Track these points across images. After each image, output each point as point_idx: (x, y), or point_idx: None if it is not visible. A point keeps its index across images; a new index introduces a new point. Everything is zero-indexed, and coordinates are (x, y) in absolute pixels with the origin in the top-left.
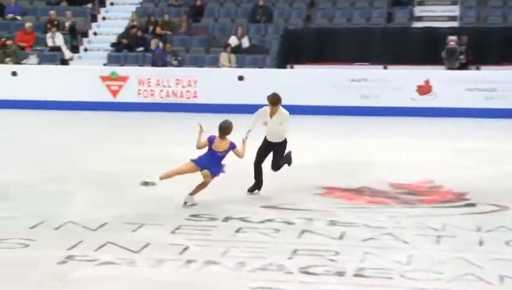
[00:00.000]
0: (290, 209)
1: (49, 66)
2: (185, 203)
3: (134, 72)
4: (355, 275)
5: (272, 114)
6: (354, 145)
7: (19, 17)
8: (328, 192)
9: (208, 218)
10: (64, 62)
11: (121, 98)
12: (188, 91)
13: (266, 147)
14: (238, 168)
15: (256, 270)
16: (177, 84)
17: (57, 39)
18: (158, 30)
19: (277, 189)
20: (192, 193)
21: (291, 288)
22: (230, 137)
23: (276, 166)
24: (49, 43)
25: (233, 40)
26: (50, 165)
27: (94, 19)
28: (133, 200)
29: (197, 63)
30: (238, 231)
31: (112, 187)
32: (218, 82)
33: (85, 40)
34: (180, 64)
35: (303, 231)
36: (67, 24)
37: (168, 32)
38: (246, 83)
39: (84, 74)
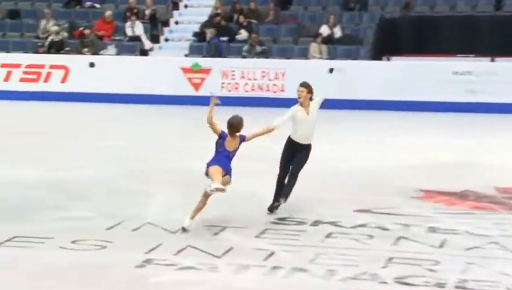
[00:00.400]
0: (385, 214)
1: (128, 57)
2: (184, 229)
3: (217, 64)
4: (457, 287)
5: (307, 109)
6: (457, 144)
7: (97, 5)
8: (427, 196)
9: (296, 222)
10: (144, 53)
11: (204, 91)
12: (274, 84)
13: (292, 153)
14: (330, 167)
15: (347, 280)
16: (263, 77)
17: (137, 28)
18: (241, 19)
19: (371, 191)
20: (193, 217)
21: None
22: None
23: (296, 172)
24: (128, 32)
25: (324, 30)
26: (128, 162)
27: (176, 6)
28: (215, 202)
29: (285, 54)
30: (328, 236)
31: (193, 187)
32: (308, 75)
33: (166, 29)
34: (267, 54)
35: (399, 238)
36: (147, 12)
37: (254, 21)
38: (337, 76)
39: (165, 66)
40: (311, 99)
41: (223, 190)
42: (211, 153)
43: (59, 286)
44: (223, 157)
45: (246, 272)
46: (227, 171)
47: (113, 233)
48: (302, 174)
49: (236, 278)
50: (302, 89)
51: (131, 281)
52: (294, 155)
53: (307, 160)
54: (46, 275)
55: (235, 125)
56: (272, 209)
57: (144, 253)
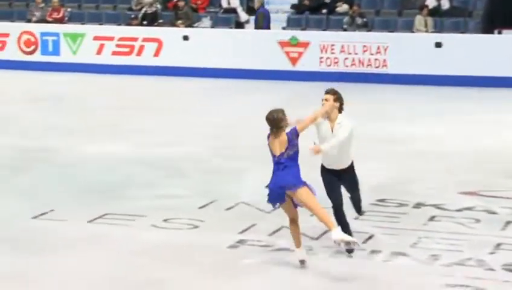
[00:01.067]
0: (493, 197)
1: (223, 30)
2: (303, 261)
3: (316, 38)
4: None
5: (333, 125)
6: None
7: None
8: None
9: (397, 203)
10: (240, 25)
11: (301, 66)
12: (376, 59)
13: (334, 177)
14: (435, 147)
15: (451, 265)
16: (365, 51)
17: (232, 0)
18: None
19: (478, 173)
20: (300, 244)
21: (493, 287)
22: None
23: (357, 196)
24: (224, 4)
25: (430, 1)
26: (224, 139)
27: None
28: (313, 180)
29: (388, 27)
30: (431, 219)
31: None
32: (412, 49)
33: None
34: (368, 27)
35: (508, 223)
36: None
37: None
38: (444, 51)
39: (261, 39)
40: (340, 110)
41: (303, 262)
42: (309, 130)
43: (153, 264)
44: (275, 170)
45: (343, 255)
46: (284, 184)
47: (205, 212)
48: (404, 154)
49: (333, 261)
50: (327, 96)
51: (224, 262)
52: (340, 180)
53: (357, 179)
54: (138, 253)
55: (271, 120)
56: (351, 249)
57: (237, 233)
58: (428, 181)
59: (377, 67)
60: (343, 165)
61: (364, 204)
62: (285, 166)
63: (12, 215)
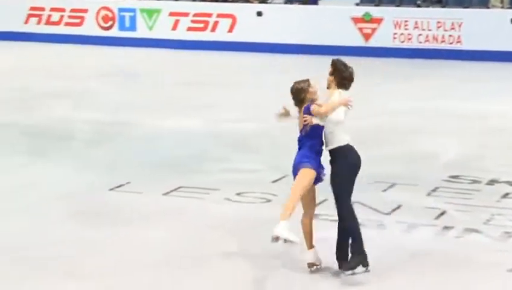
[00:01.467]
0: None
1: (296, 6)
2: (314, 266)
3: (390, 13)
4: None
5: (327, 97)
6: None
7: None
8: None
9: (470, 180)
10: (313, 1)
11: (374, 42)
12: (450, 35)
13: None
14: (509, 123)
15: None
16: (439, 27)
17: None
18: None
19: None
20: (311, 246)
21: None
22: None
23: (336, 204)
24: None
25: None
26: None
27: None
28: (384, 156)
29: (463, 3)
30: (504, 196)
31: (363, 142)
32: (487, 25)
33: None
34: (442, 2)
35: None
36: None
37: None
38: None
39: (334, 15)
40: (340, 85)
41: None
42: (386, 106)
43: (225, 237)
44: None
45: (415, 231)
46: (294, 164)
47: (278, 186)
48: (477, 131)
49: (405, 237)
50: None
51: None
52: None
53: (338, 178)
54: (211, 226)
55: (292, 93)
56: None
57: None
58: (501, 158)
59: (451, 43)
60: (329, 144)
61: (437, 180)
62: (302, 144)
63: (89, 187)
